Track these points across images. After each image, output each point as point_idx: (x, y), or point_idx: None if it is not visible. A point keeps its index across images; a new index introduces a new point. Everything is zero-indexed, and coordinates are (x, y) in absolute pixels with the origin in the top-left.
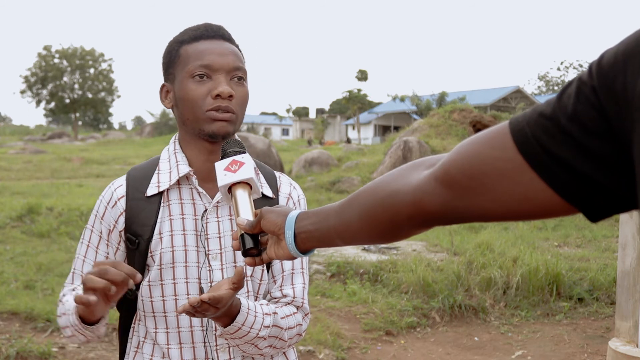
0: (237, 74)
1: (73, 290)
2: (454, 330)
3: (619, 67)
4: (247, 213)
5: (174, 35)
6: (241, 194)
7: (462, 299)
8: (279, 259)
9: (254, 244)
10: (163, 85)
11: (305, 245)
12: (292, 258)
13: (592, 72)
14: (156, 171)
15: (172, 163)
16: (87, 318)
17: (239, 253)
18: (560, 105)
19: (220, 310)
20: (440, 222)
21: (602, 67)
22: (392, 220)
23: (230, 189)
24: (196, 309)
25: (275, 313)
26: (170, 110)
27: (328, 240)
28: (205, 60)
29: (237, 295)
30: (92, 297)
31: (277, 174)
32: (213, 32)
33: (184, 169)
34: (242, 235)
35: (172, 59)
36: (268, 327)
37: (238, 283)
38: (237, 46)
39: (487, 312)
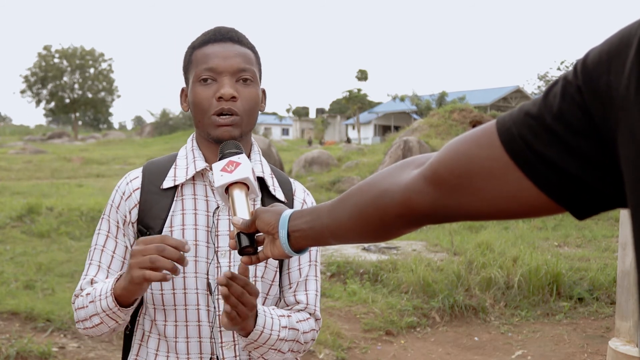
0: (243, 76)
1: (91, 282)
2: (454, 330)
3: (603, 67)
4: (243, 212)
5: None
6: (238, 194)
7: (462, 299)
8: (274, 257)
9: (250, 242)
10: (182, 89)
11: (298, 244)
12: (287, 257)
13: (577, 72)
14: (173, 166)
15: (189, 159)
16: (125, 300)
17: None
18: (546, 104)
19: (253, 297)
20: (430, 221)
21: (587, 66)
22: (382, 219)
23: (228, 189)
24: (231, 293)
25: (289, 315)
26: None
27: (321, 239)
28: (210, 64)
29: None
30: (169, 276)
31: (291, 180)
32: (221, 36)
33: (201, 164)
34: (238, 234)
35: (187, 63)
36: (286, 327)
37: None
38: (250, 48)
39: (487, 312)
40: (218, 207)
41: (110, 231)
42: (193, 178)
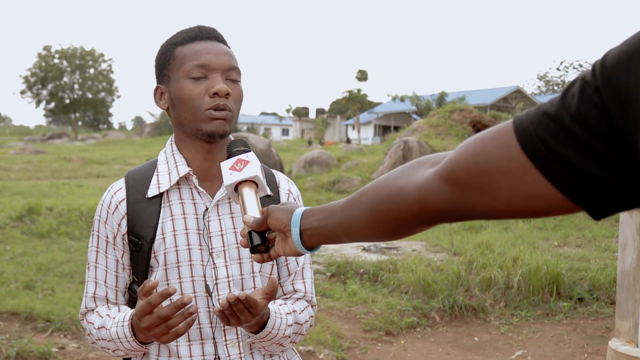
0: (232, 74)
1: (94, 299)
2: (454, 330)
3: (623, 68)
4: (254, 211)
5: (167, 38)
6: (247, 192)
7: (462, 299)
8: (286, 255)
9: (262, 240)
10: (157, 87)
11: (311, 241)
12: (299, 254)
13: (595, 72)
14: (155, 173)
15: (170, 164)
16: (146, 339)
17: (242, 250)
18: (564, 104)
19: (254, 317)
20: (445, 219)
21: (606, 67)
22: (397, 218)
23: (237, 187)
24: (232, 308)
25: (294, 311)
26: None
27: (334, 237)
28: (202, 60)
29: None
30: (194, 316)
31: (273, 171)
32: (207, 34)
33: (184, 169)
34: (249, 233)
35: (167, 60)
36: (291, 325)
37: (271, 293)
38: (229, 47)
39: (487, 312)
40: (207, 209)
41: (100, 246)
42: (177, 182)
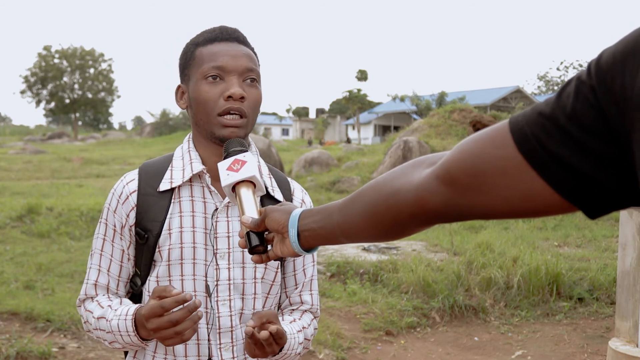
0: (250, 76)
1: (95, 287)
2: (454, 330)
3: (618, 67)
4: (251, 211)
5: (191, 37)
6: (245, 193)
7: (462, 299)
8: (284, 256)
9: (260, 241)
10: (179, 87)
11: (309, 243)
12: (297, 255)
13: (590, 72)
14: (169, 168)
15: (185, 161)
16: (148, 336)
17: (247, 254)
18: (559, 104)
19: (280, 347)
20: (442, 220)
21: (601, 66)
22: (395, 218)
23: (235, 188)
24: (267, 341)
25: (304, 327)
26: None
27: (332, 238)
28: (219, 62)
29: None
30: (197, 325)
31: (289, 179)
32: (228, 35)
33: (198, 166)
34: (247, 233)
35: (188, 60)
36: (302, 343)
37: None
38: (252, 49)
39: (487, 312)
40: (217, 209)
41: (107, 235)
42: (190, 180)
